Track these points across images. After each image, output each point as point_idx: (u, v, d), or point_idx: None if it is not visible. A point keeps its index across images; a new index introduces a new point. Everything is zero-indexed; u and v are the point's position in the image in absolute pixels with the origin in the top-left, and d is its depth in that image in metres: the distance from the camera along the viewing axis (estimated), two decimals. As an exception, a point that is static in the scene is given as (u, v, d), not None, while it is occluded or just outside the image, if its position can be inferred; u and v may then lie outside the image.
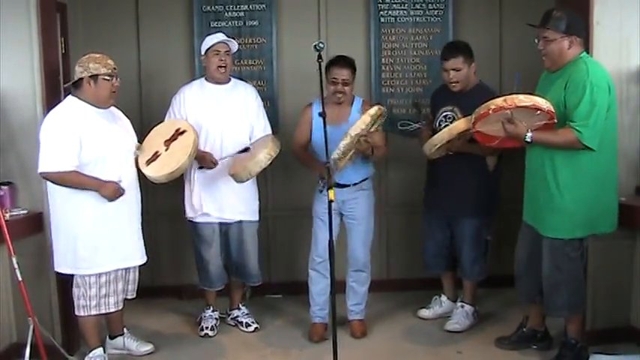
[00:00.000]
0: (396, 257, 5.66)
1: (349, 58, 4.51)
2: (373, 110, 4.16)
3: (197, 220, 4.65)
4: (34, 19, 4.18)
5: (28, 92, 4.22)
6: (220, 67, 4.56)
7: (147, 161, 4.18)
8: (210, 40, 4.57)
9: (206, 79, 4.67)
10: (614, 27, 4.21)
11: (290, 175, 5.32)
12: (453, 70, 4.50)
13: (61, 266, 4.11)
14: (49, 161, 3.90)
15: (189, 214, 4.66)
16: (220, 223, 4.67)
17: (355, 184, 4.57)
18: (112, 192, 4.02)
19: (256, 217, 4.77)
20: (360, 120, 4.15)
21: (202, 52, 4.62)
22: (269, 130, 4.71)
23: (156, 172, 4.13)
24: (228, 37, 4.66)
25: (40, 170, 3.93)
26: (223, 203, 4.60)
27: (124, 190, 4.09)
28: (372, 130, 4.23)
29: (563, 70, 3.82)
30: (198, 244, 4.71)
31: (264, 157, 4.26)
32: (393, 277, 5.64)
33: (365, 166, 4.56)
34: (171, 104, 4.63)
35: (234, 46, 4.63)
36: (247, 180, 4.39)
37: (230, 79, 4.69)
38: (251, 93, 4.74)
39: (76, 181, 3.94)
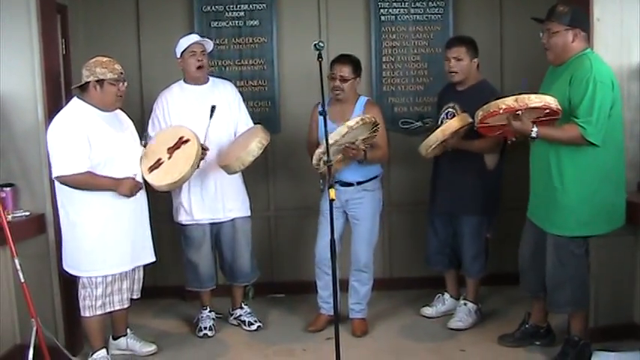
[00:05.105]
0: (399, 256, 5.64)
1: (352, 56, 4.53)
2: (352, 122, 4.12)
3: (186, 222, 4.64)
4: (35, 21, 4.18)
5: (29, 94, 4.22)
6: (199, 67, 4.54)
7: (149, 168, 4.17)
8: (185, 42, 4.54)
9: (185, 80, 4.64)
10: (614, 24, 4.21)
11: (293, 175, 5.32)
12: (455, 58, 4.53)
13: (70, 267, 4.12)
14: (62, 165, 3.90)
15: (182, 217, 4.64)
16: (212, 224, 4.66)
17: (359, 183, 4.56)
18: (130, 188, 4.05)
19: (248, 213, 4.76)
20: (336, 131, 4.10)
21: (178, 55, 4.57)
22: (251, 123, 4.69)
23: (158, 180, 4.12)
24: (208, 36, 4.69)
25: (55, 175, 3.94)
26: (216, 204, 4.59)
27: (142, 184, 4.12)
28: (361, 138, 4.24)
29: (568, 64, 3.83)
30: (186, 246, 4.70)
31: (255, 146, 4.25)
32: (396, 276, 5.62)
33: (369, 167, 4.55)
34: (154, 111, 4.61)
35: (209, 45, 4.62)
36: (239, 170, 4.36)
37: (209, 79, 4.68)
38: (231, 90, 4.73)
39: (92, 182, 3.95)
